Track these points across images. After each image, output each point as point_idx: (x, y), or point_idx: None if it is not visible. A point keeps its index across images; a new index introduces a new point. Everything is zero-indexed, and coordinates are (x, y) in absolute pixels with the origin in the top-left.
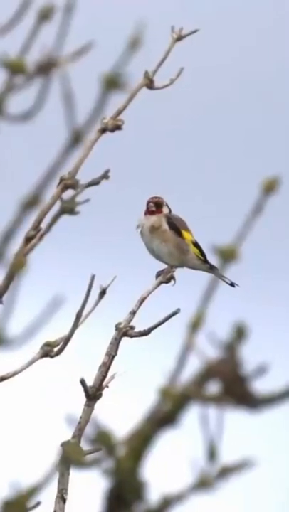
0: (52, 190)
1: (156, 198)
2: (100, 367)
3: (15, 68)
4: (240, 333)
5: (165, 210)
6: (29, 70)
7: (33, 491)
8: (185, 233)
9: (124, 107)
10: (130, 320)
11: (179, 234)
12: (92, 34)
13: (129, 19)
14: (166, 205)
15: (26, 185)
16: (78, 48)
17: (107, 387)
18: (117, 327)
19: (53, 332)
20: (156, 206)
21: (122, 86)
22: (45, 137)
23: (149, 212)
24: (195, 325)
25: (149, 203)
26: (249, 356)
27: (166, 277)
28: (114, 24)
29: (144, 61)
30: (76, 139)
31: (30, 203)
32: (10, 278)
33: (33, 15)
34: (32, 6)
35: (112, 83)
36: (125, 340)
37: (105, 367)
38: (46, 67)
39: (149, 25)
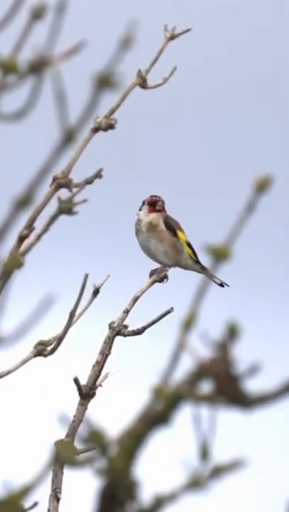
0: (45, 189)
1: (156, 196)
2: (94, 366)
3: (7, 67)
4: (232, 333)
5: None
6: (21, 69)
7: (26, 490)
8: (180, 233)
9: (118, 105)
10: (124, 319)
11: (175, 234)
12: (85, 33)
13: (121, 18)
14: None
15: (19, 184)
16: (70, 47)
17: (101, 386)
18: (110, 326)
19: (47, 331)
20: (162, 207)
21: (114, 85)
22: (37, 136)
23: (155, 210)
24: (187, 324)
25: (157, 201)
26: (241, 355)
27: (159, 276)
28: (106, 23)
29: (137, 60)
30: (68, 137)
31: (23, 202)
32: (5, 277)
33: (25, 14)
34: (24, 5)
35: (104, 82)
36: (119, 339)
37: (99, 366)
38: (38, 66)
39: (142, 23)
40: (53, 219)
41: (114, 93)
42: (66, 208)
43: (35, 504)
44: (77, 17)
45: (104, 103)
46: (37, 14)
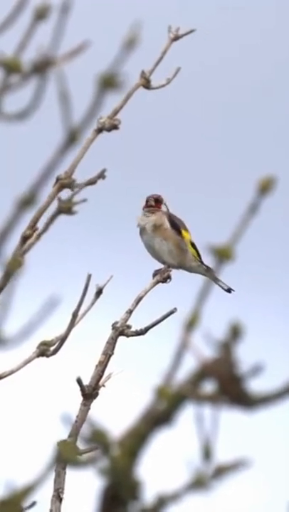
0: (48, 189)
1: (156, 195)
2: (97, 366)
3: (11, 67)
4: (235, 333)
5: (163, 208)
6: (25, 69)
7: (28, 490)
8: (184, 232)
9: (121, 106)
10: (127, 319)
11: (179, 233)
12: (89, 33)
13: (125, 18)
14: (165, 204)
15: (22, 185)
16: (74, 47)
17: (104, 386)
18: (113, 326)
19: (50, 331)
20: (155, 201)
21: (118, 86)
22: (41, 136)
23: (147, 206)
24: (191, 324)
25: (148, 198)
26: (244, 355)
27: (163, 276)
28: (110, 23)
29: (140, 60)
30: (72, 138)
31: (27, 202)
32: (7, 278)
33: (29, 14)
34: (28, 5)
35: (107, 83)
36: (122, 339)
37: (102, 366)
38: (42, 67)
39: (145, 24)
40: (53, 218)
41: (117, 94)
42: (65, 208)
43: (34, 503)
44: (81, 17)
45: (107, 103)
46: (41, 14)
